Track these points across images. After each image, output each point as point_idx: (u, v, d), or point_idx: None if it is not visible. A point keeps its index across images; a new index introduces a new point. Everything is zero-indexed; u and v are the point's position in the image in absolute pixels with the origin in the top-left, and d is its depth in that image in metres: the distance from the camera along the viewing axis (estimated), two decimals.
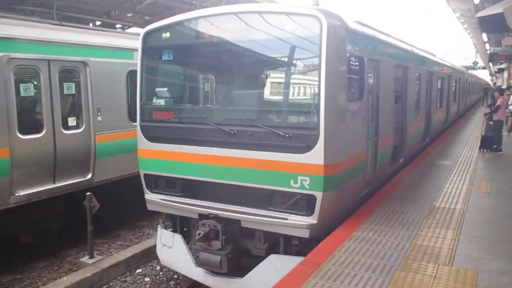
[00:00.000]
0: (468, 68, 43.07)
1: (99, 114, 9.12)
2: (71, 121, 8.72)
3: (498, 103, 13.10)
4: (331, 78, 5.74)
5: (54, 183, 8.36)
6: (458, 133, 17.84)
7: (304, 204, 5.92)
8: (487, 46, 30.21)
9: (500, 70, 39.86)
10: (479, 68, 61.36)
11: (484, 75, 64.71)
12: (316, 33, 5.73)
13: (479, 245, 5.53)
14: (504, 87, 23.07)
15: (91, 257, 7.97)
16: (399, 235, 5.81)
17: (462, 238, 5.75)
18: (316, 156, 5.72)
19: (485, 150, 12.89)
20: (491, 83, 61.68)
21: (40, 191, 8.08)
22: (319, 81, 5.70)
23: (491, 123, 13.22)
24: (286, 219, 5.99)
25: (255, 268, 6.29)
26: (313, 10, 5.92)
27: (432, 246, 5.43)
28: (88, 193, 7.84)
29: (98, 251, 9.01)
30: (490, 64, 45.90)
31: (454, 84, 20.36)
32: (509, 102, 16.36)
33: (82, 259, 8.04)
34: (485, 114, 14.89)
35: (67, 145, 8.48)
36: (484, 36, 25.53)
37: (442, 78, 16.30)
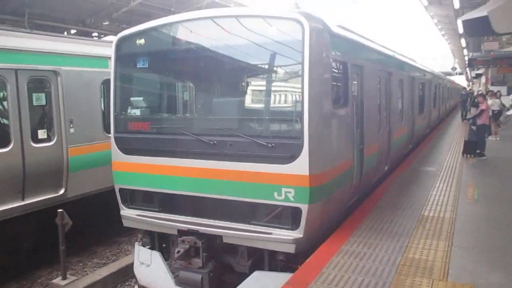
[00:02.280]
0: (446, 73, 43.68)
1: (71, 125, 8.65)
2: (41, 134, 8.24)
3: (482, 107, 13.07)
4: (315, 85, 5.46)
5: (23, 200, 7.87)
6: (440, 138, 17.84)
7: (289, 217, 5.61)
8: (465, 51, 30.60)
9: (478, 76, 40.54)
10: (456, 73, 62.41)
11: (461, 81, 65.86)
12: (298, 37, 5.46)
13: (472, 256, 5.29)
14: (480, 92, 23.33)
15: (64, 278, 7.47)
16: (389, 248, 5.53)
17: (455, 249, 5.50)
18: (300, 166, 5.43)
19: (468, 155, 12.82)
20: (467, 88, 62.86)
21: (8, 209, 7.57)
22: (302, 87, 5.42)
23: (474, 128, 13.18)
24: (270, 233, 5.66)
25: (238, 286, 5.93)
26: (295, 13, 5.66)
27: (425, 259, 5.17)
28: (60, 210, 7.37)
29: (73, 270, 8.52)
30: (467, 69, 46.72)
31: (434, 90, 20.45)
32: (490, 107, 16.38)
33: (54, 281, 7.53)
34: (468, 119, 14.90)
35: (37, 159, 8.00)
36: (463, 42, 25.82)
37: (423, 84, 16.30)
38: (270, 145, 5.54)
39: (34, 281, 8.21)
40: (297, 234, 5.54)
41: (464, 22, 10.71)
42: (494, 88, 27.34)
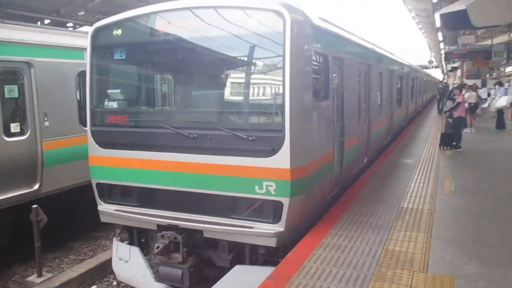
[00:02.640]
0: (423, 67, 44.33)
1: (46, 118, 8.39)
2: (14, 127, 7.95)
3: (459, 100, 13.27)
4: (296, 77, 5.41)
5: None
6: (417, 131, 18.10)
7: (270, 211, 5.58)
8: (442, 45, 31.08)
9: (454, 69, 41.29)
10: (433, 67, 63.43)
11: (437, 74, 67.02)
12: (279, 29, 5.39)
13: (451, 248, 5.35)
14: (456, 85, 23.76)
15: (39, 275, 7.27)
16: (370, 240, 5.55)
17: (433, 241, 5.56)
18: (281, 159, 5.39)
19: (445, 148, 13.02)
20: (443, 81, 64.00)
21: None
22: (283, 80, 5.36)
23: (451, 120, 13.39)
24: (251, 227, 5.62)
25: (219, 281, 5.87)
26: (275, 4, 5.56)
27: (405, 251, 5.21)
28: (35, 206, 7.15)
29: (49, 267, 8.31)
30: (443, 62, 47.53)
31: (412, 83, 20.71)
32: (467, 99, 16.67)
33: (29, 278, 7.32)
34: (445, 112, 15.13)
35: (10, 154, 7.72)
36: (440, 35, 26.20)
37: (401, 77, 16.47)
38: (251, 139, 5.48)
39: (8, 279, 7.97)
40: (279, 227, 5.51)
41: (442, 15, 10.82)
42: (469, 82, 27.91)
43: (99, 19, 7.20)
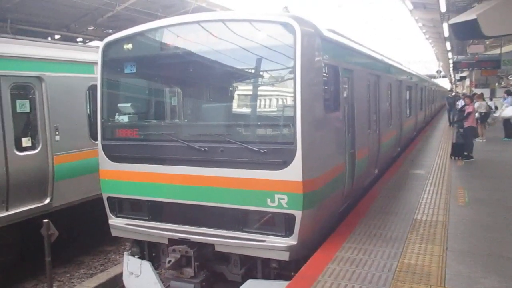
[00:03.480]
0: (431, 76, 44.20)
1: (57, 133, 8.43)
2: (26, 142, 8.00)
3: (469, 110, 13.15)
4: (307, 89, 5.38)
5: (7, 210, 7.61)
6: (427, 141, 17.95)
7: (282, 224, 5.51)
8: (450, 55, 30.98)
9: (462, 78, 41.09)
10: (441, 76, 63.23)
11: (445, 83, 66.75)
12: (289, 41, 5.38)
13: (468, 261, 5.24)
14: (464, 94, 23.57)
15: None
16: (384, 254, 5.46)
17: (450, 254, 5.45)
18: (293, 172, 5.33)
19: (456, 158, 12.88)
20: (452, 91, 63.71)
21: None
22: (294, 92, 5.34)
23: (461, 130, 13.26)
24: (263, 241, 5.54)
25: None
26: (285, 17, 5.57)
27: (421, 264, 5.11)
28: (46, 220, 7.12)
29: (59, 281, 8.29)
30: (451, 72, 47.33)
31: (420, 93, 20.60)
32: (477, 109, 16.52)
33: None
34: (455, 122, 14.99)
35: (21, 168, 7.75)
36: (448, 45, 26.13)
37: (410, 87, 16.39)
38: (262, 151, 5.44)
39: None
40: (291, 241, 5.44)
41: (452, 25, 10.78)
42: (478, 91, 27.70)
43: (108, 34, 7.28)
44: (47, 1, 13.61)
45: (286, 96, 5.74)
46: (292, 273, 5.36)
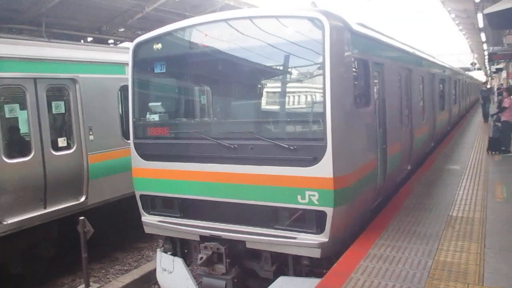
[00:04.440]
0: (465, 69, 42.86)
1: (91, 132, 8.66)
2: (61, 142, 8.26)
3: (505, 104, 12.67)
4: (337, 84, 5.31)
5: (45, 208, 7.88)
6: (461, 136, 17.43)
7: (314, 221, 5.46)
8: (485, 46, 29.93)
9: (498, 70, 39.65)
10: (475, 69, 61.22)
11: (480, 76, 64.60)
12: (318, 36, 5.31)
13: (507, 259, 5.05)
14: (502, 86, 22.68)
15: (87, 286, 7.44)
16: (419, 251, 5.33)
17: (488, 251, 5.27)
18: (324, 168, 5.27)
19: (493, 152, 12.45)
20: (487, 84, 61.62)
21: (30, 218, 7.58)
22: (324, 87, 5.27)
23: (499, 124, 12.80)
24: (294, 238, 5.52)
25: None
26: (313, 11, 5.52)
27: (457, 262, 4.96)
28: (82, 218, 7.35)
29: (95, 277, 8.52)
30: (487, 64, 45.78)
31: (454, 86, 20.01)
32: None
33: None
34: (492, 115, 14.48)
35: (58, 168, 8.01)
36: (483, 36, 25.25)
37: (443, 80, 15.94)
38: (292, 148, 5.40)
39: None
40: (323, 238, 5.39)
41: (487, 15, 10.40)
42: None
43: (138, 35, 7.39)
44: (79, 5, 13.95)
45: (315, 92, 5.68)
46: (324, 270, 5.31)
